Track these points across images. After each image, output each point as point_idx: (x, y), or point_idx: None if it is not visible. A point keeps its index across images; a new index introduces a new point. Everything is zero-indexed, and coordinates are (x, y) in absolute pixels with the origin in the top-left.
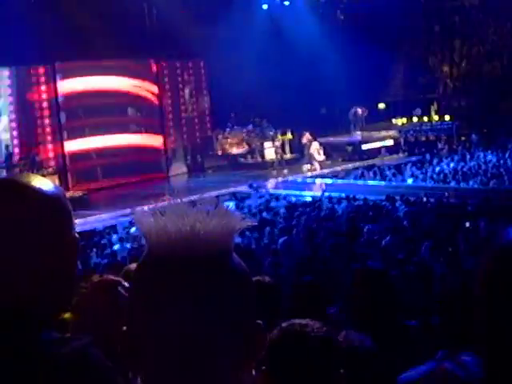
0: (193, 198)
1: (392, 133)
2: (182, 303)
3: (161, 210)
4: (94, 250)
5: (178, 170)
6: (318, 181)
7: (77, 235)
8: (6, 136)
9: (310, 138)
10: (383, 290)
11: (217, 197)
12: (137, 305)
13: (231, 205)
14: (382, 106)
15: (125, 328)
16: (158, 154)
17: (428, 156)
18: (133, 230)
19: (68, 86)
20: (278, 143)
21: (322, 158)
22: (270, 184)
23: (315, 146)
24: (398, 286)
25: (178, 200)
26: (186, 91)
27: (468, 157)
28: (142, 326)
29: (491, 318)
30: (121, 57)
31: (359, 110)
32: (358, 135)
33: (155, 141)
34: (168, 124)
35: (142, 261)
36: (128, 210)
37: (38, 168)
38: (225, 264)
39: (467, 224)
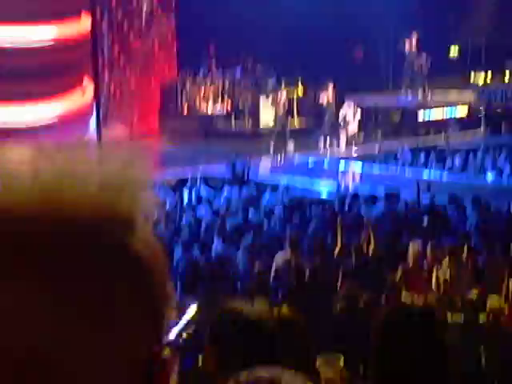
0: None
1: (468, 96)
2: (32, 306)
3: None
4: None
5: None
6: (343, 166)
7: None
8: None
9: (333, 95)
10: (429, 348)
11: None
12: None
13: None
14: (453, 51)
15: None
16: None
17: None
18: None
19: None
20: (280, 101)
21: (352, 129)
22: (264, 166)
23: (344, 109)
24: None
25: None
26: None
27: None
28: None
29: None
30: None
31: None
32: (411, 96)
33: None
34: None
35: None
36: None
37: None
38: (118, 247)
39: None
